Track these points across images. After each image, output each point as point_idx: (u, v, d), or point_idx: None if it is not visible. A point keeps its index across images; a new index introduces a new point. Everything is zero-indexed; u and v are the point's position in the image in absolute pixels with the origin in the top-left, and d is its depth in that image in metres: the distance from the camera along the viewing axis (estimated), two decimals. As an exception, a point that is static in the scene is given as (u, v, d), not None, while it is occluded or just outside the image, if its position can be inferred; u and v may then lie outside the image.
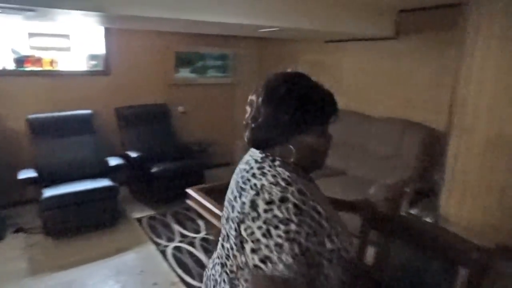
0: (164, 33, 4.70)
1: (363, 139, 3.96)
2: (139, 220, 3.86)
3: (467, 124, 1.60)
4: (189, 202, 3.68)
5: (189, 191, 3.67)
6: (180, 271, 2.94)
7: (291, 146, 0.98)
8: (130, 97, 4.71)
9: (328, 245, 0.91)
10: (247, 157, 1.06)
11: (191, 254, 3.20)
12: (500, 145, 1.50)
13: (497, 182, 1.51)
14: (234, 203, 0.98)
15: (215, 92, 5.51)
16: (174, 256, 3.17)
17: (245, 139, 1.04)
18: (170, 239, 3.46)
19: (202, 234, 3.57)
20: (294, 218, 0.86)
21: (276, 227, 0.85)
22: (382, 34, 3.79)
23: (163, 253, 3.21)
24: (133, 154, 4.15)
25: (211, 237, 3.50)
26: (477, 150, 1.57)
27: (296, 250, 0.85)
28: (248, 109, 1.02)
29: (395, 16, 3.77)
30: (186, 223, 3.80)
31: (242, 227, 0.91)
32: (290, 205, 0.87)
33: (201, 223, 3.78)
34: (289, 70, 1.03)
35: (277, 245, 0.84)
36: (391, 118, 3.83)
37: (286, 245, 0.84)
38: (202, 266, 3.00)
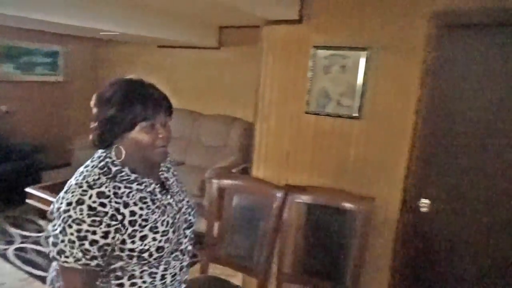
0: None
1: (197, 133, 4.63)
2: (-35, 229, 3.52)
3: (265, 114, 2.41)
4: (30, 201, 3.61)
5: (30, 190, 3.60)
6: (28, 268, 2.95)
7: (120, 146, 1.07)
8: None
9: (129, 245, 1.02)
10: None
11: (38, 252, 3.21)
12: (284, 126, 2.36)
13: (285, 147, 2.37)
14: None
15: (45, 90, 5.26)
16: (18, 256, 3.12)
17: None
18: (10, 242, 3.34)
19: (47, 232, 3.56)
20: (87, 219, 0.96)
21: (70, 226, 0.96)
22: (208, 44, 4.54)
23: (4, 256, 3.12)
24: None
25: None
26: (271, 131, 2.40)
27: (87, 246, 0.96)
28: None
29: (217, 30, 4.57)
30: (25, 225, 3.69)
31: (51, 224, 1.03)
32: (84, 207, 0.97)
33: (42, 222, 3.73)
34: (127, 76, 1.12)
35: (70, 241, 0.96)
36: (219, 115, 4.62)
37: (77, 242, 0.96)
38: (53, 259, 3.08)
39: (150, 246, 1.05)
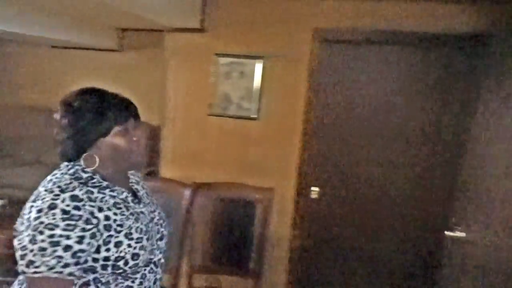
0: None
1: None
2: None
3: (171, 117, 2.53)
4: None
5: None
6: None
7: (93, 154, 1.06)
8: None
9: (104, 253, 0.99)
10: None
11: None
12: (190, 128, 2.50)
13: (191, 148, 2.52)
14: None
15: None
16: None
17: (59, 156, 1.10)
18: None
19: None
20: (60, 223, 0.92)
21: (41, 233, 0.91)
22: (107, 46, 4.42)
23: None
24: None
25: None
26: (178, 131, 2.52)
27: (60, 253, 0.91)
28: (55, 129, 1.08)
29: (117, 33, 4.48)
30: None
31: (16, 239, 0.95)
32: (57, 211, 0.93)
33: None
34: (81, 87, 1.12)
35: (41, 249, 0.90)
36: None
37: (49, 248, 0.91)
38: None
39: (125, 253, 1.02)
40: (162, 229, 1.24)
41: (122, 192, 1.12)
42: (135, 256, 1.04)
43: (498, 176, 1.72)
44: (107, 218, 1.02)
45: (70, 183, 1.01)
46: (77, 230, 0.94)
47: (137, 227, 1.08)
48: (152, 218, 1.20)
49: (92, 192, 1.02)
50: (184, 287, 2.12)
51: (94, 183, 1.05)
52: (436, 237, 2.31)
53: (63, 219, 0.93)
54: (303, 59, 2.32)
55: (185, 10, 2.26)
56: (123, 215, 1.06)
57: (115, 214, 1.04)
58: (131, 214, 1.10)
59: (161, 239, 1.22)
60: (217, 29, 2.42)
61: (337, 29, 2.29)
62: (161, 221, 1.25)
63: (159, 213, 1.26)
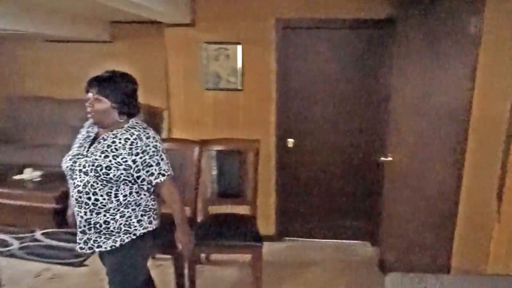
0: None
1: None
2: None
3: (175, 93, 3.29)
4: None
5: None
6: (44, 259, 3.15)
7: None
8: None
9: None
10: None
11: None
12: (191, 100, 3.27)
13: (193, 115, 3.31)
14: None
15: None
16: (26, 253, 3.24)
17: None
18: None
19: None
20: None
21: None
22: (100, 38, 4.98)
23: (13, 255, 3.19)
24: None
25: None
26: (182, 103, 3.29)
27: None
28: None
29: (109, 25, 5.05)
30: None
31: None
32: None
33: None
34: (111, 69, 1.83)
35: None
36: (120, 101, 5.17)
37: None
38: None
39: None
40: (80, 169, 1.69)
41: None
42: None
43: (407, 114, 2.59)
44: None
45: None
46: None
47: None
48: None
49: None
50: (200, 214, 2.94)
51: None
52: (373, 162, 3.22)
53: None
54: (271, 43, 3.11)
55: (178, 10, 2.95)
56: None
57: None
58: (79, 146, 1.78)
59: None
60: (204, 22, 3.16)
61: (293, 19, 3.08)
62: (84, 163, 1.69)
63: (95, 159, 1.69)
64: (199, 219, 2.91)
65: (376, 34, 3.09)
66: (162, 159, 1.78)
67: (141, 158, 1.70)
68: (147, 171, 1.74)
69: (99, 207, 1.69)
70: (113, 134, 1.73)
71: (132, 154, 1.69)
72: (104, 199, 1.68)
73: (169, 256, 2.75)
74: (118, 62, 5.24)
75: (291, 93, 3.26)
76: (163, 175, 1.78)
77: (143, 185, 1.77)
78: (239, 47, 3.14)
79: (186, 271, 2.60)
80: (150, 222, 1.85)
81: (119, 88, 1.75)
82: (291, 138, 3.33)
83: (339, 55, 3.18)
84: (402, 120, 2.65)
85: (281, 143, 3.33)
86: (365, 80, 3.19)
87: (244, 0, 3.07)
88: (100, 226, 1.72)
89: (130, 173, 1.70)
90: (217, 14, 3.12)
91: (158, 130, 5.01)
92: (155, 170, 1.75)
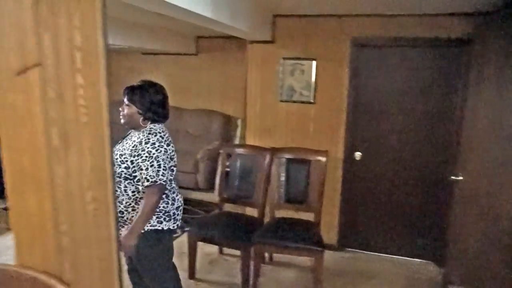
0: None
1: (183, 125, 5.66)
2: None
3: (252, 103, 3.58)
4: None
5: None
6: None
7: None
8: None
9: None
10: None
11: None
12: (266, 110, 3.53)
13: (267, 124, 3.56)
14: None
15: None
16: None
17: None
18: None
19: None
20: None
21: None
22: (187, 51, 5.54)
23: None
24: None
25: None
26: (258, 113, 3.57)
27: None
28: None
29: (195, 40, 5.60)
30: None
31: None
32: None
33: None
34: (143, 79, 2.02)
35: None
36: (200, 109, 5.67)
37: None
38: None
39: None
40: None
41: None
42: None
43: (481, 135, 2.56)
44: None
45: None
46: None
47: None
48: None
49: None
50: (267, 216, 3.16)
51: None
52: (441, 181, 3.18)
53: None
54: (345, 59, 3.26)
55: (261, 29, 3.26)
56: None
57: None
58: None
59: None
60: (283, 40, 3.42)
61: (368, 37, 3.20)
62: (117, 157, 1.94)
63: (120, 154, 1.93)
64: (266, 220, 3.13)
65: (450, 52, 3.09)
66: (151, 166, 1.84)
67: (137, 160, 1.88)
68: (140, 173, 1.88)
69: (116, 198, 1.84)
70: (131, 136, 2.00)
71: (132, 155, 1.89)
72: (116, 191, 1.90)
73: (238, 252, 3.01)
74: (201, 73, 5.81)
75: (361, 108, 3.37)
76: (148, 180, 1.84)
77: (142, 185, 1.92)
78: (314, 63, 3.34)
79: (251, 268, 2.83)
80: (160, 222, 1.97)
81: (146, 97, 1.96)
82: (358, 151, 3.42)
83: (412, 73, 3.23)
84: (475, 140, 2.63)
85: (349, 155, 3.44)
86: (436, 98, 3.19)
87: (321, 20, 3.28)
88: (116, 214, 2.03)
89: (129, 172, 1.91)
90: (295, 32, 3.37)
91: (230, 136, 5.39)
92: (144, 174, 1.85)
